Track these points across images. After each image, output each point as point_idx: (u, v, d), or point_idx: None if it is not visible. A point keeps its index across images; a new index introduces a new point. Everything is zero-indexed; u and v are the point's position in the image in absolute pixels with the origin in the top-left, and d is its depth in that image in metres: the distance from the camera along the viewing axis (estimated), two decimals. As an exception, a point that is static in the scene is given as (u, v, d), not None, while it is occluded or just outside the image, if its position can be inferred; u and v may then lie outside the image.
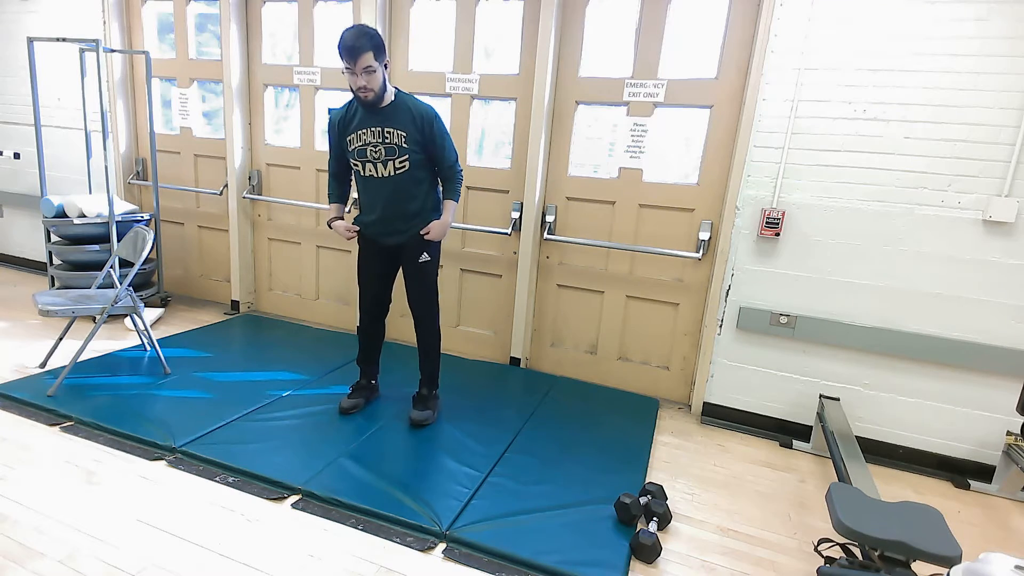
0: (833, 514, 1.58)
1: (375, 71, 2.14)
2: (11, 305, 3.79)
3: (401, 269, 2.54)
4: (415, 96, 2.35)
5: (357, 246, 2.57)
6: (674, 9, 2.82)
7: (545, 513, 2.02)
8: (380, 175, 2.32)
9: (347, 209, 2.66)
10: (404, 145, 2.27)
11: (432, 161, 2.37)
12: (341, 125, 2.36)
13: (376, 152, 2.29)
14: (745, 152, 2.66)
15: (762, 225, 2.67)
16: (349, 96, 3.19)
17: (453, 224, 2.59)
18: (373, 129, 2.27)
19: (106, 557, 1.67)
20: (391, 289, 2.61)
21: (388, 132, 2.26)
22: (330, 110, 2.40)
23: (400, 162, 2.29)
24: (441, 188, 2.46)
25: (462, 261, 3.43)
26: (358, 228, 2.48)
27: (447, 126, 2.41)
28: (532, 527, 1.93)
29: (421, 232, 2.40)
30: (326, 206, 3.60)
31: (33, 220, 4.54)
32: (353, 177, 2.47)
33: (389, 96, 2.27)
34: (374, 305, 2.60)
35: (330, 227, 2.50)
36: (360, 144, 2.30)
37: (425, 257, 2.44)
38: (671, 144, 2.95)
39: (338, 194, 2.54)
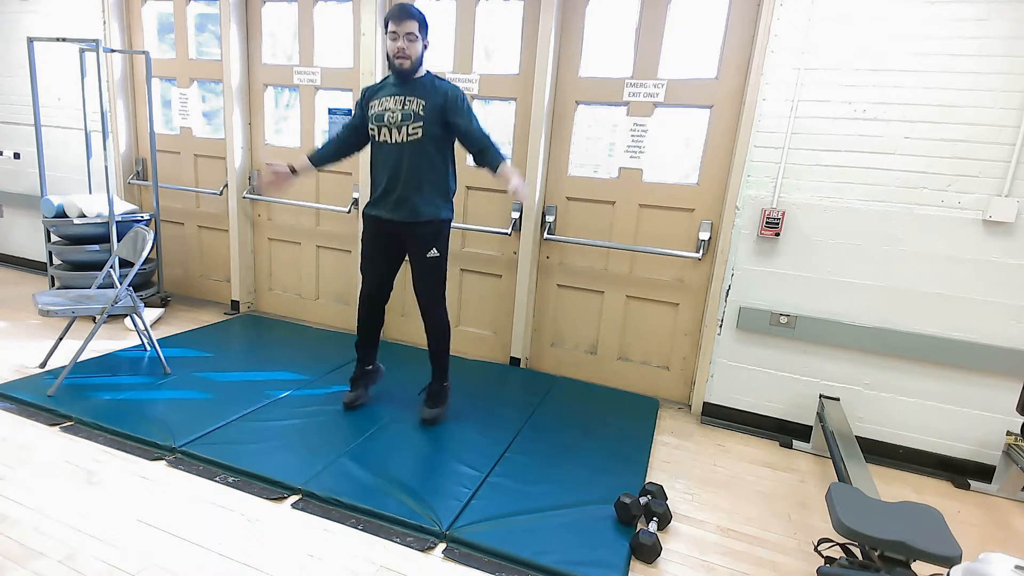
0: (833, 514, 1.58)
1: (416, 40, 2.27)
2: (11, 305, 3.79)
3: (409, 262, 2.51)
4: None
5: (360, 243, 2.56)
6: (674, 9, 2.82)
7: (545, 513, 2.02)
8: (393, 140, 2.36)
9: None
10: (420, 112, 2.32)
11: (454, 133, 2.36)
12: (370, 92, 2.46)
13: (393, 117, 2.34)
14: (745, 152, 2.66)
15: (762, 225, 2.67)
16: (350, 96, 3.19)
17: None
18: (396, 97, 2.35)
19: (106, 557, 1.67)
20: (393, 278, 2.61)
21: (408, 100, 2.34)
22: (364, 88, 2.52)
23: (413, 128, 2.33)
24: (483, 159, 2.33)
25: (462, 261, 3.43)
26: (288, 170, 2.44)
27: None
28: (532, 527, 1.93)
29: (508, 190, 2.24)
30: (326, 206, 3.63)
31: (33, 220, 4.54)
32: (370, 153, 2.47)
33: (420, 72, 2.37)
34: (375, 292, 2.59)
35: (269, 165, 2.45)
36: (380, 109, 2.37)
37: (434, 252, 2.42)
38: (671, 144, 2.95)
39: (319, 156, 2.52)
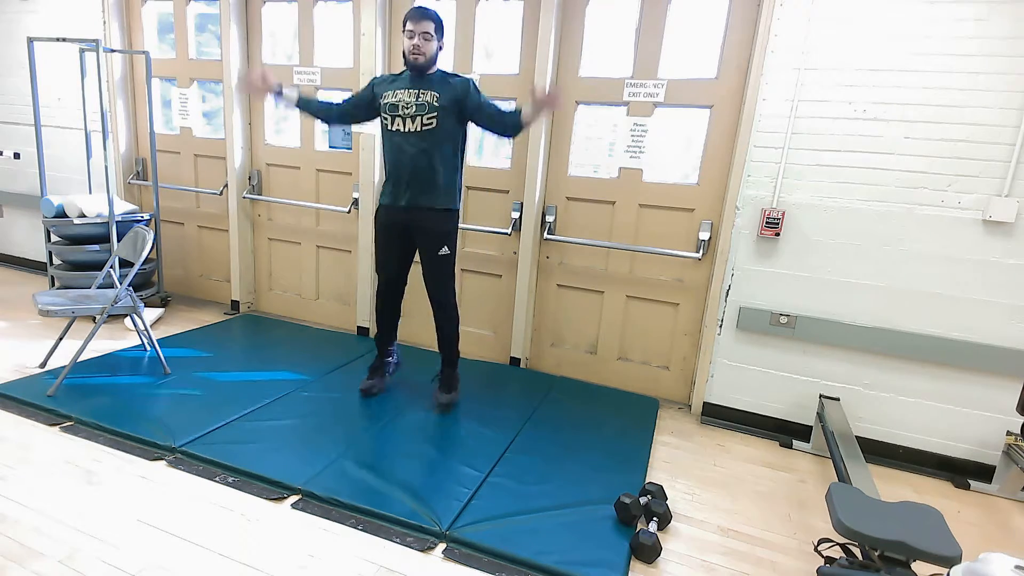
0: (833, 514, 1.58)
1: (431, 39, 2.38)
2: (11, 305, 3.78)
3: (420, 258, 2.61)
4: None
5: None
6: (674, 9, 2.82)
7: (545, 513, 2.02)
8: (407, 129, 2.43)
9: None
10: (435, 103, 2.40)
11: (472, 120, 2.46)
12: (382, 81, 2.54)
13: (408, 108, 2.42)
14: (745, 152, 2.66)
15: (762, 225, 2.67)
16: (348, 96, 3.17)
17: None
18: (411, 90, 2.43)
19: (106, 557, 1.67)
20: (407, 273, 2.71)
21: (423, 92, 2.42)
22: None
23: (428, 118, 2.41)
24: (506, 129, 2.46)
25: (462, 261, 3.43)
26: (274, 86, 2.44)
27: None
28: (532, 527, 1.93)
29: (536, 97, 2.29)
30: (326, 206, 3.63)
31: (33, 220, 4.54)
32: (380, 144, 2.59)
33: (433, 70, 2.47)
34: (391, 285, 2.72)
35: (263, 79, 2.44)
36: (395, 100, 2.44)
37: (445, 251, 2.54)
38: (671, 144, 2.95)
39: (310, 102, 2.60)
